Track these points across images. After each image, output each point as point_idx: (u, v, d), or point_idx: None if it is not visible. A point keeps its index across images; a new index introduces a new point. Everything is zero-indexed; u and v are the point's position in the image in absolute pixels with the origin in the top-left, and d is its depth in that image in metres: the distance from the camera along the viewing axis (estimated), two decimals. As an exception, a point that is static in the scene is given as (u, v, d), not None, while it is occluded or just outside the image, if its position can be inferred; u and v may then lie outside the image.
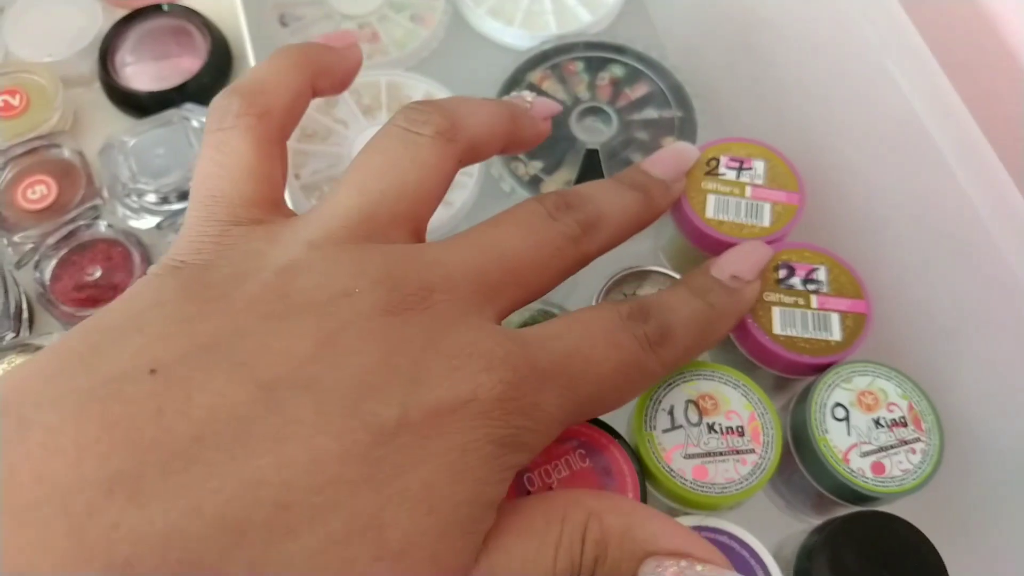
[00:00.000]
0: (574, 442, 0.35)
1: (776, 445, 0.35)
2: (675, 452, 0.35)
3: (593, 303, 0.40)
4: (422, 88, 0.50)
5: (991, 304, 0.37)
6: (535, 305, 0.41)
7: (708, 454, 0.35)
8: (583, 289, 0.41)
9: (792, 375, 0.39)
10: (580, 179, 0.47)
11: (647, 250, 0.47)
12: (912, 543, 0.34)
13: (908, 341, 0.40)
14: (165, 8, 0.51)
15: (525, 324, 0.41)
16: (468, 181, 0.47)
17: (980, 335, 0.38)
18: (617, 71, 0.51)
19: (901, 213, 0.41)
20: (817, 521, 0.36)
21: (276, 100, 0.26)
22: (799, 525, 0.37)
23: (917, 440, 0.36)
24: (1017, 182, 0.36)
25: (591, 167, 0.48)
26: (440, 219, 0.46)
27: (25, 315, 0.42)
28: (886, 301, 0.39)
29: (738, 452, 0.35)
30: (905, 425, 0.36)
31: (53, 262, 0.42)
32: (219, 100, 0.26)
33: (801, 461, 0.37)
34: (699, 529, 0.34)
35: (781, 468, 0.36)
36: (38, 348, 0.39)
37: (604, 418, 0.35)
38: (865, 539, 0.34)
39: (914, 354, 0.39)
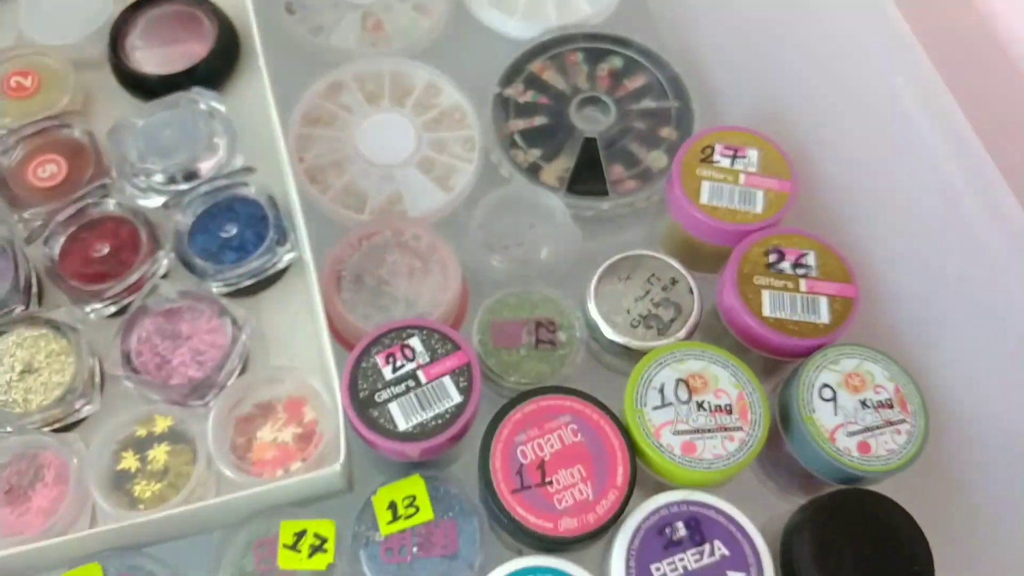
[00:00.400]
0: (566, 417, 0.36)
1: (764, 423, 0.36)
2: (664, 428, 0.36)
3: (591, 286, 0.41)
4: (425, 76, 0.51)
5: (976, 291, 0.38)
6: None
7: (697, 431, 0.36)
8: (580, 274, 0.42)
9: (781, 357, 0.40)
10: (578, 167, 0.48)
11: (642, 236, 0.48)
12: (896, 521, 0.35)
13: (895, 325, 0.41)
14: (174, -6, 0.52)
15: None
16: (467, 167, 0.48)
17: (965, 321, 0.39)
18: (616, 62, 0.52)
19: (890, 202, 0.42)
20: (805, 500, 0.37)
21: None
22: (787, 504, 0.38)
23: (903, 421, 0.37)
24: (1003, 173, 0.37)
25: (589, 155, 0.49)
26: (439, 203, 0.47)
27: (34, 289, 0.43)
28: (874, 286, 0.40)
29: (726, 429, 0.36)
30: (891, 407, 0.37)
31: (62, 238, 0.43)
32: None
33: (789, 440, 0.38)
34: (687, 503, 0.34)
35: (769, 448, 0.37)
36: (47, 321, 0.40)
37: (597, 394, 0.36)
38: (850, 516, 0.35)
39: (901, 338, 0.40)
